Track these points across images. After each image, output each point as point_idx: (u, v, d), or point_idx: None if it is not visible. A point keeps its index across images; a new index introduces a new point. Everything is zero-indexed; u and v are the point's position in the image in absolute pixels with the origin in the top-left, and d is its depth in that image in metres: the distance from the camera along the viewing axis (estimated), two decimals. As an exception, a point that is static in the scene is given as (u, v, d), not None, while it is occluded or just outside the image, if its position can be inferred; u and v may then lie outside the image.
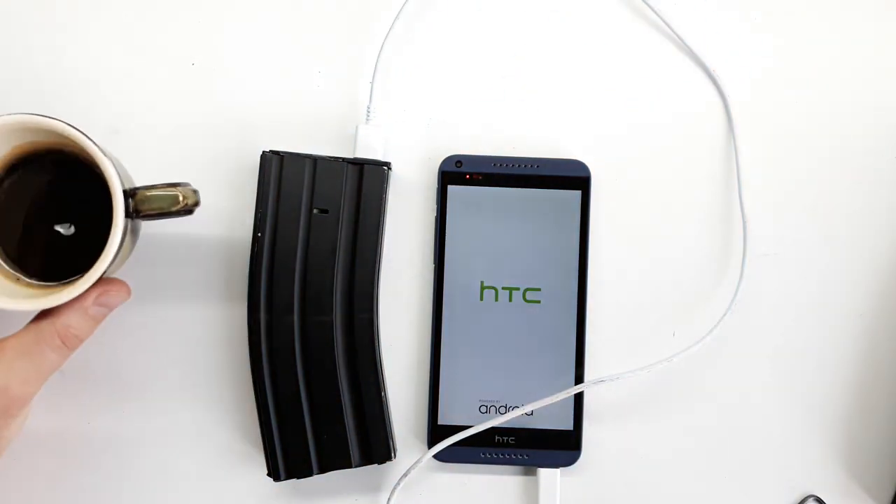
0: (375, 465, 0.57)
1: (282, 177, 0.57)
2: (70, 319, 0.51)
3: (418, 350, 0.59)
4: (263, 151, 0.57)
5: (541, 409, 0.57)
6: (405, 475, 0.57)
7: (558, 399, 0.56)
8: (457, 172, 0.59)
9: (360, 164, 0.57)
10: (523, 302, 0.58)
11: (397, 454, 0.58)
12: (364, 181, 0.57)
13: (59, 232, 0.53)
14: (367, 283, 0.57)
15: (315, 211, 0.57)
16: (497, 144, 0.60)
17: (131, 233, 0.53)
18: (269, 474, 0.56)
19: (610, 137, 0.60)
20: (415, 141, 0.60)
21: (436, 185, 0.59)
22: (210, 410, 0.59)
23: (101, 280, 0.50)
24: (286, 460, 0.56)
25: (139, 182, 0.53)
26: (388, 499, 0.57)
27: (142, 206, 0.51)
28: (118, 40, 0.60)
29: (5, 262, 0.53)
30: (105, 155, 0.50)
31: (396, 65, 0.60)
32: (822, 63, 0.61)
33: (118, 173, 0.50)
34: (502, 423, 0.57)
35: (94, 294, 0.51)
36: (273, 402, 0.56)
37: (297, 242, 0.57)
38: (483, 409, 0.58)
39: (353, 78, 0.60)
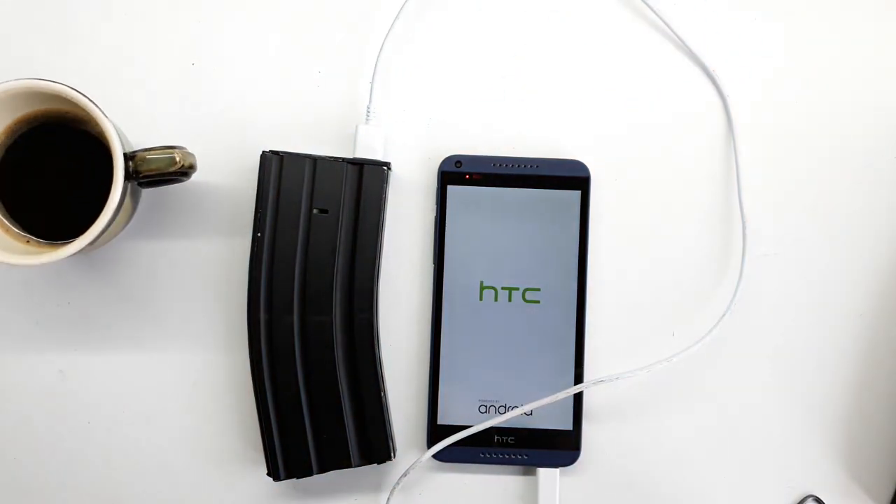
0: (375, 464, 0.57)
1: (282, 177, 0.57)
2: None
3: (418, 350, 0.59)
4: (263, 151, 0.57)
5: (540, 409, 0.57)
6: (404, 475, 0.57)
7: (558, 399, 0.56)
8: (456, 172, 0.59)
9: (359, 164, 0.57)
10: (523, 302, 0.58)
11: (397, 454, 0.58)
12: (364, 181, 0.57)
13: (62, 196, 0.56)
14: (366, 283, 0.57)
15: (315, 211, 0.57)
16: (497, 144, 0.60)
17: (131, 196, 0.55)
18: (268, 474, 0.56)
19: (610, 137, 0.60)
20: (415, 141, 0.60)
21: (436, 185, 0.59)
22: (210, 410, 0.59)
23: None
24: (286, 460, 0.56)
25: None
26: (388, 499, 0.57)
27: (141, 166, 0.53)
28: (118, 40, 0.60)
29: (10, 221, 0.54)
30: (107, 118, 0.51)
31: (396, 65, 0.60)
32: (822, 63, 0.60)
33: (119, 136, 0.52)
34: (502, 423, 0.57)
35: None
36: (273, 402, 0.56)
37: (296, 242, 0.57)
38: (482, 408, 0.58)
39: (353, 78, 0.60)
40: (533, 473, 0.59)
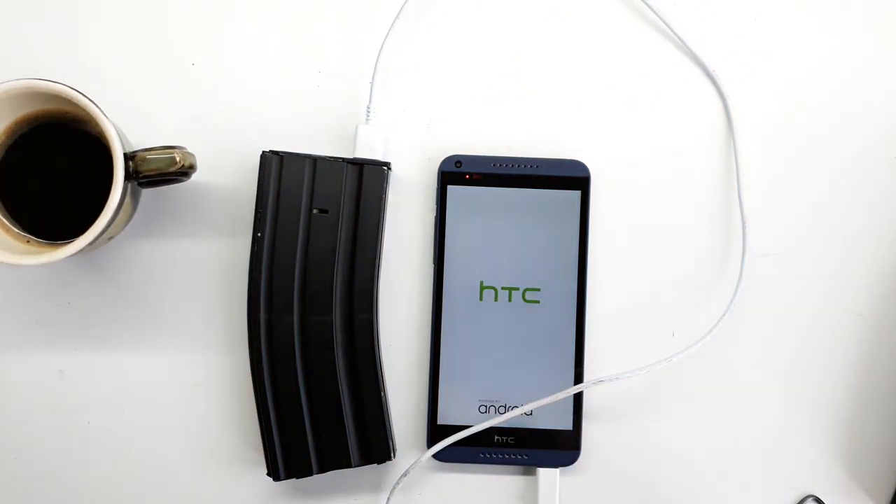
0: (375, 464, 0.57)
1: (282, 177, 0.57)
2: None
3: (418, 350, 0.59)
4: (263, 151, 0.57)
5: (540, 408, 0.57)
6: (404, 475, 0.57)
7: (558, 399, 0.56)
8: (456, 172, 0.59)
9: (359, 164, 0.57)
10: (523, 302, 0.58)
11: (397, 454, 0.58)
12: (364, 181, 0.57)
13: (62, 196, 0.56)
14: (366, 283, 0.57)
15: (315, 211, 0.57)
16: (497, 144, 0.60)
17: (131, 196, 0.55)
18: (268, 474, 0.56)
19: (610, 137, 0.60)
20: (415, 141, 0.60)
21: (436, 185, 0.59)
22: (210, 410, 0.59)
23: None
24: (286, 460, 0.56)
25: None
26: (388, 498, 0.57)
27: (141, 166, 0.53)
28: (118, 40, 0.60)
29: (10, 222, 0.55)
30: (107, 118, 0.51)
31: (396, 65, 0.60)
32: (821, 63, 0.60)
33: (119, 136, 0.52)
34: (502, 423, 0.57)
35: None
36: (273, 402, 0.56)
37: (296, 242, 0.57)
38: (482, 408, 0.58)
39: (353, 78, 0.60)
40: (533, 473, 0.59)
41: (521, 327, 0.58)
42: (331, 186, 0.57)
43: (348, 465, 0.57)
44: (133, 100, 0.60)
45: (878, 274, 0.59)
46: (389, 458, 0.57)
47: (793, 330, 0.59)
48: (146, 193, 0.59)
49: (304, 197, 0.57)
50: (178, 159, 0.54)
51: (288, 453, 0.56)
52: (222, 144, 0.59)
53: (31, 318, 0.59)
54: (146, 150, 0.53)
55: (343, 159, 0.57)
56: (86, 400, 0.59)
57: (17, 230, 0.54)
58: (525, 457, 0.58)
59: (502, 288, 0.58)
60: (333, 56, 0.60)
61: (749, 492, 0.59)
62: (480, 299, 0.58)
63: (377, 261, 0.58)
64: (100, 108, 0.52)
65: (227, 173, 0.59)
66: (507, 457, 0.58)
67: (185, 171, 0.54)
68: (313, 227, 0.57)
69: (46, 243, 0.54)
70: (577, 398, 0.58)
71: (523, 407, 0.57)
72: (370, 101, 0.59)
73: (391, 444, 0.57)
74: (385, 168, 0.58)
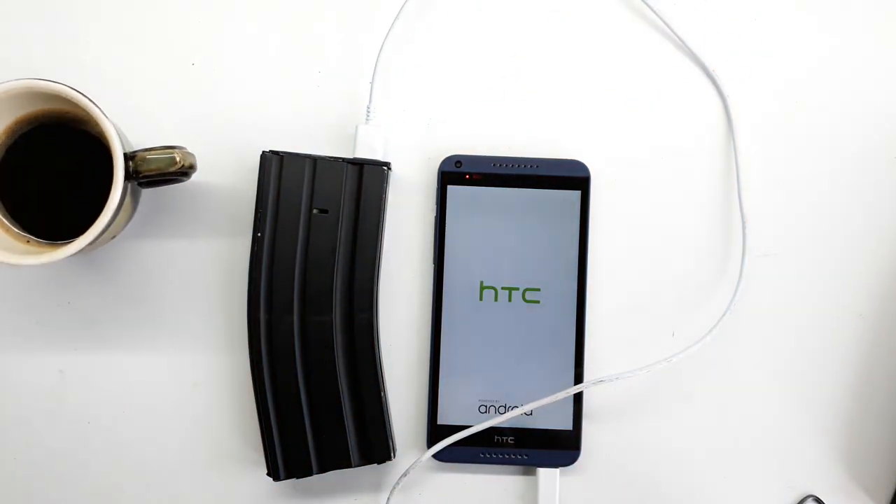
0: (375, 464, 0.57)
1: (282, 177, 0.57)
2: None
3: (418, 350, 0.59)
4: (263, 151, 0.57)
5: (540, 408, 0.57)
6: (404, 475, 0.57)
7: (558, 399, 0.56)
8: (457, 172, 0.59)
9: (359, 164, 0.57)
10: (523, 302, 0.58)
11: (397, 454, 0.58)
12: (364, 181, 0.57)
13: (62, 196, 0.56)
14: (366, 283, 0.57)
15: (315, 211, 0.57)
16: (497, 144, 0.60)
17: (131, 196, 0.55)
18: (268, 474, 0.56)
19: (610, 137, 0.60)
20: (415, 141, 0.60)
21: (436, 185, 0.59)
22: (210, 410, 0.59)
23: None
24: (286, 460, 0.56)
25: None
26: (388, 498, 0.57)
27: (141, 166, 0.53)
28: (118, 40, 0.60)
29: (10, 222, 0.55)
30: (107, 118, 0.51)
31: (396, 65, 0.60)
32: (821, 63, 0.60)
33: (119, 136, 0.52)
34: (502, 423, 0.57)
35: None
36: (273, 402, 0.56)
37: (296, 242, 0.57)
38: (482, 408, 0.58)
39: (353, 78, 0.60)
40: (533, 473, 0.59)
41: (521, 327, 0.58)
42: (331, 186, 0.57)
43: (348, 465, 0.57)
44: (133, 100, 0.60)
45: (878, 274, 0.59)
46: (389, 458, 0.57)
47: (793, 330, 0.59)
48: (146, 193, 0.59)
49: (304, 197, 0.57)
50: (178, 159, 0.54)
51: (288, 453, 0.56)
52: (222, 144, 0.59)
53: (31, 318, 0.59)
54: (146, 150, 0.53)
55: (343, 159, 0.57)
56: (86, 400, 0.59)
57: (17, 230, 0.54)
58: (525, 457, 0.58)
59: (502, 288, 0.58)
60: (333, 56, 0.60)
61: (749, 492, 0.59)
62: (480, 299, 0.58)
63: (377, 261, 0.58)
64: (100, 108, 0.52)
65: (227, 173, 0.59)
66: (507, 457, 0.58)
67: (185, 171, 0.54)
68: (313, 227, 0.57)
69: (46, 243, 0.54)
70: (577, 398, 0.58)
71: (523, 407, 0.57)
72: (370, 101, 0.59)
73: (391, 444, 0.57)
74: (385, 168, 0.58)
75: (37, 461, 0.59)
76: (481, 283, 0.58)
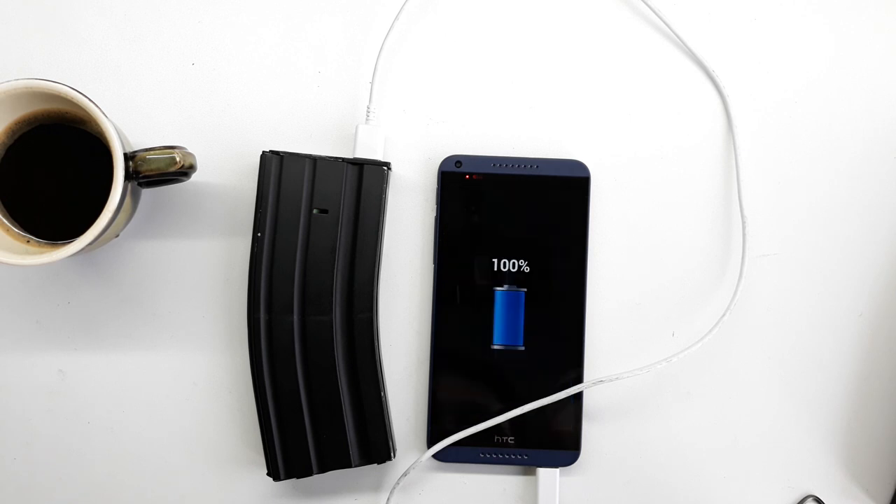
0: (375, 464, 0.57)
1: (282, 177, 0.57)
2: None
3: (418, 350, 0.59)
4: (263, 151, 0.57)
5: (540, 409, 0.57)
6: (404, 475, 0.57)
7: (558, 399, 0.56)
8: (457, 172, 0.59)
9: (359, 164, 0.57)
10: (524, 302, 0.58)
11: (397, 454, 0.58)
12: (364, 181, 0.57)
13: (62, 196, 0.55)
14: (366, 283, 0.57)
15: (315, 211, 0.57)
16: (497, 144, 0.60)
17: (131, 196, 0.54)
18: (268, 474, 0.56)
19: (610, 138, 0.60)
20: (415, 141, 0.60)
21: (436, 185, 0.59)
22: (210, 410, 0.59)
23: None
24: (286, 460, 0.56)
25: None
26: (388, 499, 0.57)
27: (141, 167, 0.53)
28: (118, 40, 0.60)
29: (10, 222, 0.54)
30: (107, 118, 0.51)
31: (396, 65, 0.60)
32: (821, 63, 0.60)
33: (119, 136, 0.52)
34: (501, 423, 0.57)
35: None
36: (273, 402, 0.56)
37: (296, 242, 0.57)
38: (482, 409, 0.58)
39: (353, 78, 0.60)
40: (533, 473, 0.59)
41: (521, 327, 0.58)
42: (331, 186, 0.57)
43: (348, 465, 0.57)
44: (133, 100, 0.60)
45: (878, 274, 0.59)
46: (389, 458, 0.57)
47: (793, 330, 0.59)
48: (146, 193, 0.59)
49: (304, 197, 0.57)
50: (178, 159, 0.54)
51: (288, 453, 0.56)
52: (222, 144, 0.59)
53: (31, 318, 0.59)
54: (146, 150, 0.53)
55: (343, 159, 0.57)
56: (86, 400, 0.59)
57: (17, 230, 0.54)
58: (525, 457, 0.58)
59: (502, 287, 0.58)
60: (333, 56, 0.60)
61: (749, 492, 0.59)
62: (480, 299, 0.58)
63: (377, 261, 0.58)
64: (100, 108, 0.52)
65: (227, 173, 0.59)
66: (506, 457, 0.58)
67: (185, 171, 0.54)
68: (313, 227, 0.57)
69: (46, 243, 0.54)
70: (577, 398, 0.58)
71: (523, 407, 0.57)
72: (370, 101, 0.59)
73: (391, 444, 0.57)
74: (385, 168, 0.58)
75: (37, 461, 0.59)
76: (481, 282, 0.58)
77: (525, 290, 0.58)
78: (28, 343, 0.59)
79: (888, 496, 0.59)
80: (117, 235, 0.58)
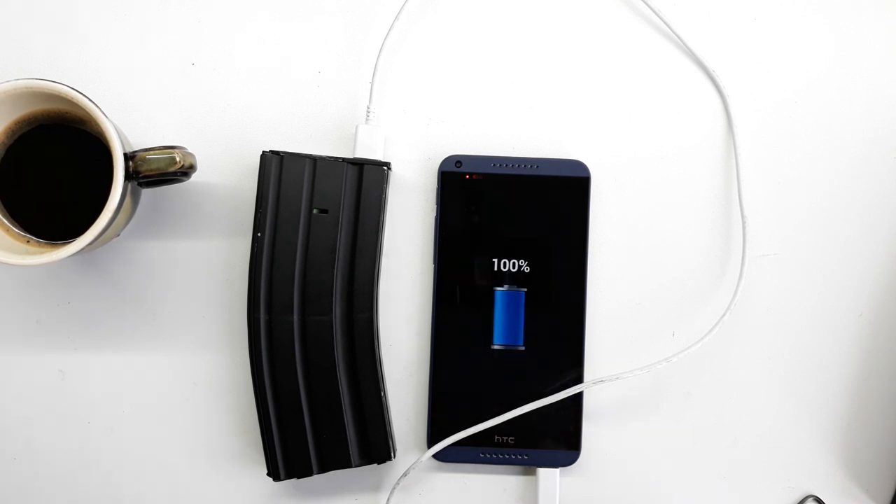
0: (375, 464, 0.57)
1: (282, 177, 0.57)
2: None
3: (418, 350, 0.59)
4: (263, 151, 0.57)
5: (540, 409, 0.57)
6: (404, 475, 0.57)
7: (558, 399, 0.56)
8: (457, 172, 0.59)
9: (359, 164, 0.57)
10: (524, 302, 0.58)
11: (397, 454, 0.58)
12: (364, 181, 0.57)
13: (62, 196, 0.55)
14: (366, 283, 0.57)
15: (315, 211, 0.57)
16: (497, 144, 0.60)
17: (131, 196, 0.54)
18: (269, 474, 0.56)
19: (610, 138, 0.60)
20: (415, 141, 0.60)
21: (436, 185, 0.59)
22: (210, 410, 0.59)
23: None
24: (286, 460, 0.56)
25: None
26: (388, 499, 0.57)
27: (141, 167, 0.53)
28: (118, 40, 0.60)
29: (10, 222, 0.54)
30: (107, 118, 0.51)
31: (396, 65, 0.60)
32: (822, 64, 0.60)
33: (119, 136, 0.52)
34: (501, 423, 0.57)
35: None
36: (273, 402, 0.56)
37: (296, 242, 0.57)
38: (482, 409, 0.58)
39: (353, 78, 0.60)
40: (533, 473, 0.59)
41: (521, 327, 0.58)
42: (331, 186, 0.57)
43: (348, 465, 0.57)
44: (133, 100, 0.60)
45: (878, 274, 0.59)
46: (389, 458, 0.57)
47: (793, 330, 0.59)
48: (146, 193, 0.59)
49: (304, 197, 0.57)
50: (178, 159, 0.54)
51: (288, 453, 0.56)
52: (222, 144, 0.59)
53: (31, 318, 0.59)
54: (146, 150, 0.53)
55: (343, 159, 0.57)
56: (86, 400, 0.59)
57: (17, 230, 0.54)
58: (525, 457, 0.58)
59: (502, 287, 0.58)
60: (333, 56, 0.60)
61: (749, 492, 0.59)
62: (480, 299, 0.58)
63: (377, 261, 0.58)
64: (100, 108, 0.52)
65: (227, 173, 0.59)
66: (507, 457, 0.58)
67: (185, 171, 0.54)
68: (313, 227, 0.57)
69: (46, 243, 0.54)
70: (577, 398, 0.58)
71: (523, 407, 0.57)
72: (370, 101, 0.59)
73: (391, 444, 0.57)
74: (385, 168, 0.58)
75: (37, 461, 0.59)
76: (481, 282, 0.58)
77: (525, 290, 0.58)
78: (28, 343, 0.59)
79: (888, 496, 0.59)
80: (117, 235, 0.58)
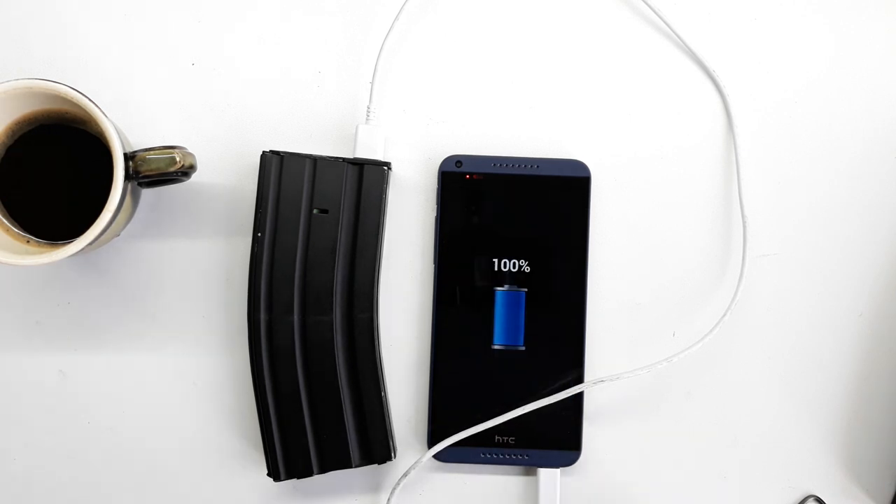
0: (375, 465, 0.57)
1: (282, 177, 0.57)
2: None
3: (418, 350, 0.59)
4: (263, 151, 0.57)
5: (541, 409, 0.57)
6: (405, 475, 0.57)
7: (558, 399, 0.56)
8: (457, 172, 0.59)
9: (360, 164, 0.57)
10: (524, 302, 0.58)
11: (397, 454, 0.58)
12: (364, 181, 0.57)
13: (62, 196, 0.55)
14: (366, 283, 0.57)
15: (315, 211, 0.57)
16: (497, 144, 0.60)
17: (131, 196, 0.54)
18: (269, 474, 0.56)
19: (610, 137, 0.60)
20: (415, 141, 0.60)
21: (436, 185, 0.59)
22: (210, 410, 0.59)
23: None
24: (286, 460, 0.56)
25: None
26: (388, 499, 0.57)
27: (141, 167, 0.53)
28: (118, 40, 0.60)
29: (10, 222, 0.54)
30: (107, 118, 0.51)
31: (396, 65, 0.60)
32: (822, 63, 0.60)
33: (119, 136, 0.52)
34: (502, 423, 0.57)
35: None
36: (273, 402, 0.56)
37: (297, 242, 0.57)
38: (483, 409, 0.58)
39: (353, 78, 0.60)
40: (533, 473, 0.59)
41: (521, 327, 0.58)
42: (331, 186, 0.57)
43: (348, 466, 0.57)
44: (133, 100, 0.60)
45: (878, 274, 0.59)
46: (390, 458, 0.57)
47: (793, 330, 0.59)
48: (146, 193, 0.59)
49: (304, 197, 0.57)
50: (178, 159, 0.54)
51: (288, 453, 0.56)
52: (222, 144, 0.59)
53: (31, 318, 0.59)
54: (146, 150, 0.53)
55: (343, 159, 0.57)
56: (86, 400, 0.59)
57: (17, 230, 0.54)
58: (525, 457, 0.58)
59: (502, 287, 0.58)
60: (333, 56, 0.60)
61: (749, 492, 0.59)
62: (481, 299, 0.58)
63: (377, 261, 0.58)
64: (100, 108, 0.52)
65: (227, 173, 0.59)
66: (507, 457, 0.58)
67: (185, 171, 0.54)
68: (313, 227, 0.57)
69: (46, 243, 0.54)
70: (578, 398, 0.58)
71: (524, 407, 0.57)
72: (370, 101, 0.59)
73: (391, 444, 0.57)
74: (385, 168, 0.58)
75: (37, 461, 0.59)
76: (481, 282, 0.58)
77: (525, 290, 0.58)
78: (28, 343, 0.59)
79: (889, 496, 0.59)
80: (117, 235, 0.58)
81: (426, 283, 0.59)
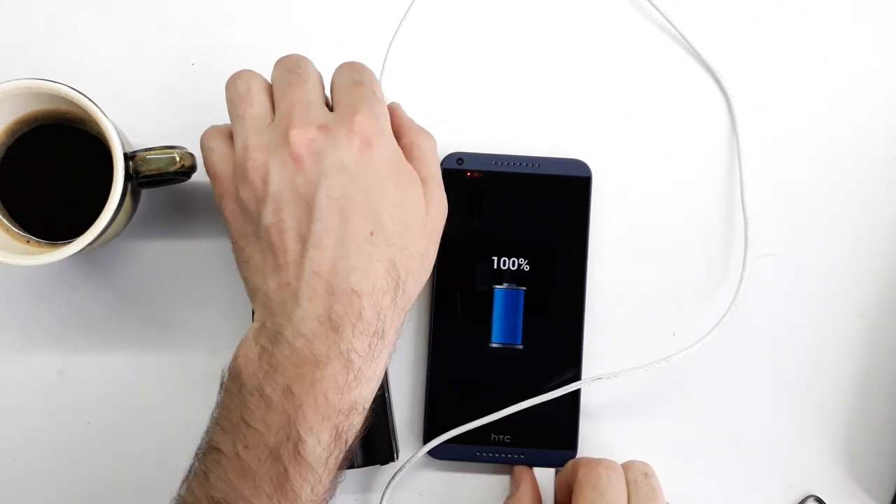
0: (378, 465, 0.57)
1: (281, 176, 0.56)
2: None
3: (416, 347, 0.59)
4: (263, 151, 0.57)
5: (537, 407, 0.57)
6: (399, 470, 0.57)
7: (555, 396, 0.56)
8: (457, 170, 0.59)
9: (359, 164, 0.57)
10: (523, 301, 0.58)
11: (399, 455, 0.58)
12: (363, 181, 0.57)
13: (62, 196, 0.56)
14: (365, 283, 0.57)
15: (314, 210, 0.57)
16: (497, 144, 0.60)
17: (131, 196, 0.54)
18: (268, 474, 0.56)
19: (612, 137, 0.60)
20: (415, 141, 0.60)
21: (436, 184, 0.59)
22: (210, 410, 0.59)
23: None
24: (285, 460, 0.56)
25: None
26: (382, 496, 0.57)
27: (141, 167, 0.53)
28: (118, 40, 0.60)
29: (10, 222, 0.55)
30: (107, 118, 0.51)
31: (398, 65, 0.60)
32: (825, 63, 0.60)
33: (119, 136, 0.52)
34: (498, 422, 0.57)
35: None
36: (272, 402, 0.56)
37: (295, 242, 0.56)
38: (479, 407, 0.57)
39: (353, 78, 0.60)
40: (531, 473, 0.59)
41: (520, 326, 0.58)
42: (330, 186, 0.57)
43: (351, 466, 0.57)
44: (133, 100, 0.60)
45: (879, 274, 0.59)
46: (393, 460, 0.57)
47: (793, 330, 0.59)
48: (146, 193, 0.59)
49: (303, 196, 0.57)
50: (178, 159, 0.54)
51: (287, 453, 0.56)
52: (222, 144, 0.59)
53: (31, 318, 0.59)
54: (146, 150, 0.53)
55: (343, 159, 0.57)
56: (86, 400, 0.59)
57: (17, 230, 0.55)
58: (521, 456, 0.58)
59: (502, 286, 0.58)
60: (334, 56, 0.60)
61: (749, 492, 0.59)
62: (480, 299, 0.58)
63: (376, 260, 0.57)
64: (100, 108, 0.52)
65: (226, 173, 0.59)
66: (503, 455, 0.58)
67: (185, 171, 0.54)
68: (312, 227, 0.57)
69: (46, 243, 0.54)
70: (574, 398, 0.58)
71: (520, 405, 0.56)
72: (370, 101, 0.59)
73: (394, 445, 0.57)
74: (384, 168, 0.58)
75: (37, 461, 0.59)
76: (481, 280, 0.58)
77: (524, 288, 0.58)
78: (28, 343, 0.59)
79: (889, 496, 0.58)
80: (117, 235, 0.58)
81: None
